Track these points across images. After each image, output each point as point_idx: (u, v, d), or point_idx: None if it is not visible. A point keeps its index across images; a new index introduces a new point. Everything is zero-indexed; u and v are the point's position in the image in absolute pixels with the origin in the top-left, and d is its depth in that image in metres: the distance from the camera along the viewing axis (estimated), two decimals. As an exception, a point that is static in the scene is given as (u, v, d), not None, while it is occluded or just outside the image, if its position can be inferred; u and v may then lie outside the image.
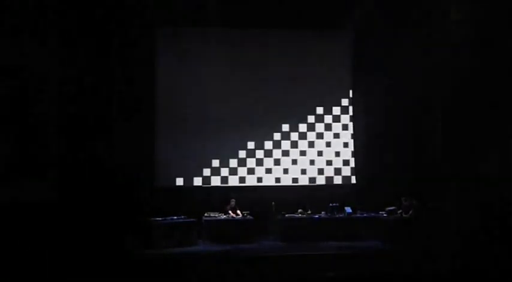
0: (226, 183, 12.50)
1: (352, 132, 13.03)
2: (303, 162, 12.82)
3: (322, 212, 11.62)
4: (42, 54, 10.71)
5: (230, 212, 11.39)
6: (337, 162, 12.89)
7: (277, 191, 12.30)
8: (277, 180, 12.69)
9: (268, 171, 12.69)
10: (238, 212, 11.43)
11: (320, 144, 12.91)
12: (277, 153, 12.75)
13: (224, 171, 12.56)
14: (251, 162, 12.66)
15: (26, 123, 10.60)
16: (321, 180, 12.75)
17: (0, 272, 7.96)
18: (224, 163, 12.57)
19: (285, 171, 12.74)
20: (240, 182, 12.55)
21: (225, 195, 11.84)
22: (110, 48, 11.45)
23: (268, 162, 12.72)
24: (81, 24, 11.11)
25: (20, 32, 10.46)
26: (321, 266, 9.01)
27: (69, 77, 11.06)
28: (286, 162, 12.76)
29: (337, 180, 12.77)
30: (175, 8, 12.08)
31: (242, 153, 12.66)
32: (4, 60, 10.28)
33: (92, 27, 11.22)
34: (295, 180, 12.72)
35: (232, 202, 11.52)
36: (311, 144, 12.88)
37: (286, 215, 11.44)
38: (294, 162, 12.79)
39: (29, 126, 10.64)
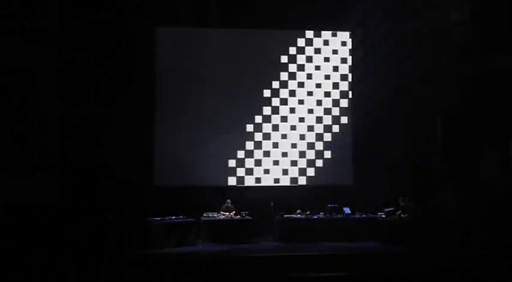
0: (225, 183, 12.51)
1: (351, 132, 13.03)
2: (301, 162, 12.83)
3: (321, 213, 11.62)
4: (43, 54, 10.73)
5: (221, 211, 11.40)
6: (336, 163, 12.89)
7: (276, 192, 12.30)
8: (276, 180, 12.68)
9: (267, 171, 12.70)
10: (232, 213, 11.41)
11: (318, 145, 12.91)
12: (276, 154, 12.76)
13: (223, 172, 12.56)
14: (250, 163, 12.67)
15: (26, 123, 10.63)
16: (319, 181, 12.75)
17: (0, 272, 7.98)
18: (223, 163, 12.57)
19: (284, 171, 12.74)
20: (238, 183, 12.55)
21: (223, 195, 11.85)
22: (110, 49, 11.47)
23: (267, 163, 12.72)
24: (81, 24, 11.14)
25: (21, 32, 10.49)
26: (319, 267, 9.03)
27: (69, 77, 11.09)
28: (284, 162, 12.77)
29: (335, 180, 12.76)
30: (175, 8, 12.12)
31: (241, 154, 12.67)
32: (4, 61, 10.31)
33: (91, 28, 11.24)
34: (293, 180, 12.73)
35: (228, 202, 11.53)
36: (310, 145, 12.89)
37: (285, 216, 11.45)
38: (293, 162, 12.80)
39: (29, 126, 10.66)
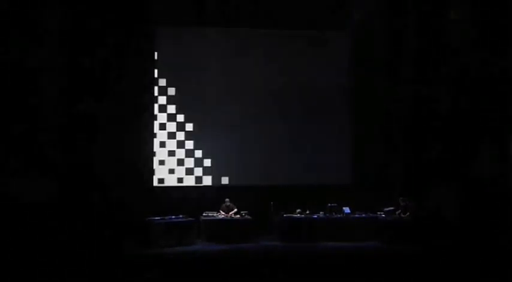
0: (225, 182, 12.49)
1: (350, 132, 13.02)
2: (301, 161, 12.79)
3: (321, 212, 11.62)
4: (42, 55, 10.72)
5: (221, 211, 11.40)
6: (336, 162, 12.86)
7: (276, 191, 12.28)
8: (275, 179, 12.59)
9: (265, 170, 12.64)
10: (231, 213, 11.41)
11: (319, 144, 12.87)
12: (273, 153, 12.71)
13: (222, 171, 12.55)
14: (249, 162, 12.62)
15: (25, 123, 10.62)
16: (319, 180, 12.72)
17: (0, 272, 7.97)
18: (223, 162, 12.56)
19: (283, 170, 12.69)
20: (238, 182, 12.53)
21: (223, 194, 11.83)
22: (110, 48, 11.46)
23: (265, 161, 12.66)
24: (80, 24, 11.13)
25: (20, 32, 10.48)
26: (319, 267, 9.03)
27: (69, 77, 11.09)
28: (283, 161, 12.73)
29: (335, 180, 12.73)
30: (175, 8, 12.10)
31: (240, 152, 12.64)
32: (4, 61, 10.30)
33: (91, 28, 11.23)
34: (292, 179, 12.66)
35: (227, 201, 11.53)
36: (310, 144, 12.85)
37: (285, 215, 11.44)
38: (293, 161, 12.75)
39: (29, 126, 10.65)
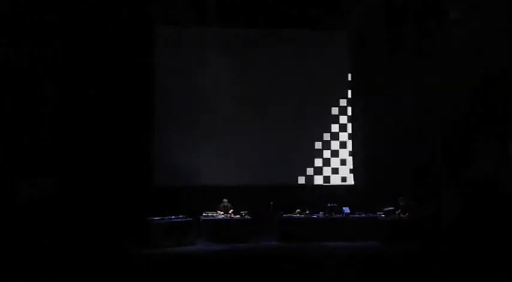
0: (225, 182, 12.49)
1: (350, 132, 13.03)
2: (301, 162, 12.81)
3: (321, 212, 11.62)
4: (43, 55, 10.74)
5: (218, 211, 11.40)
6: (336, 163, 12.90)
7: (275, 191, 12.29)
8: (275, 180, 12.63)
9: (265, 170, 12.66)
10: (231, 212, 11.42)
11: (318, 145, 12.90)
12: (273, 153, 12.73)
13: (222, 171, 12.55)
14: (248, 162, 12.63)
15: (26, 122, 10.63)
16: (319, 181, 12.75)
17: (0, 272, 7.97)
18: (223, 162, 12.55)
19: (282, 171, 12.71)
20: (238, 182, 12.53)
21: (223, 195, 11.84)
22: (110, 48, 11.47)
23: (265, 162, 12.67)
24: (80, 24, 11.14)
25: (21, 32, 10.49)
26: (319, 267, 9.04)
27: (68, 77, 11.10)
28: (282, 162, 12.73)
29: (336, 180, 12.78)
30: (174, 8, 12.11)
31: (240, 152, 12.65)
32: (5, 61, 10.31)
33: (91, 28, 11.25)
34: (293, 180, 12.70)
35: (225, 201, 11.53)
36: (309, 144, 12.87)
37: (285, 215, 11.45)
38: (291, 162, 12.77)
39: (29, 126, 10.66)
